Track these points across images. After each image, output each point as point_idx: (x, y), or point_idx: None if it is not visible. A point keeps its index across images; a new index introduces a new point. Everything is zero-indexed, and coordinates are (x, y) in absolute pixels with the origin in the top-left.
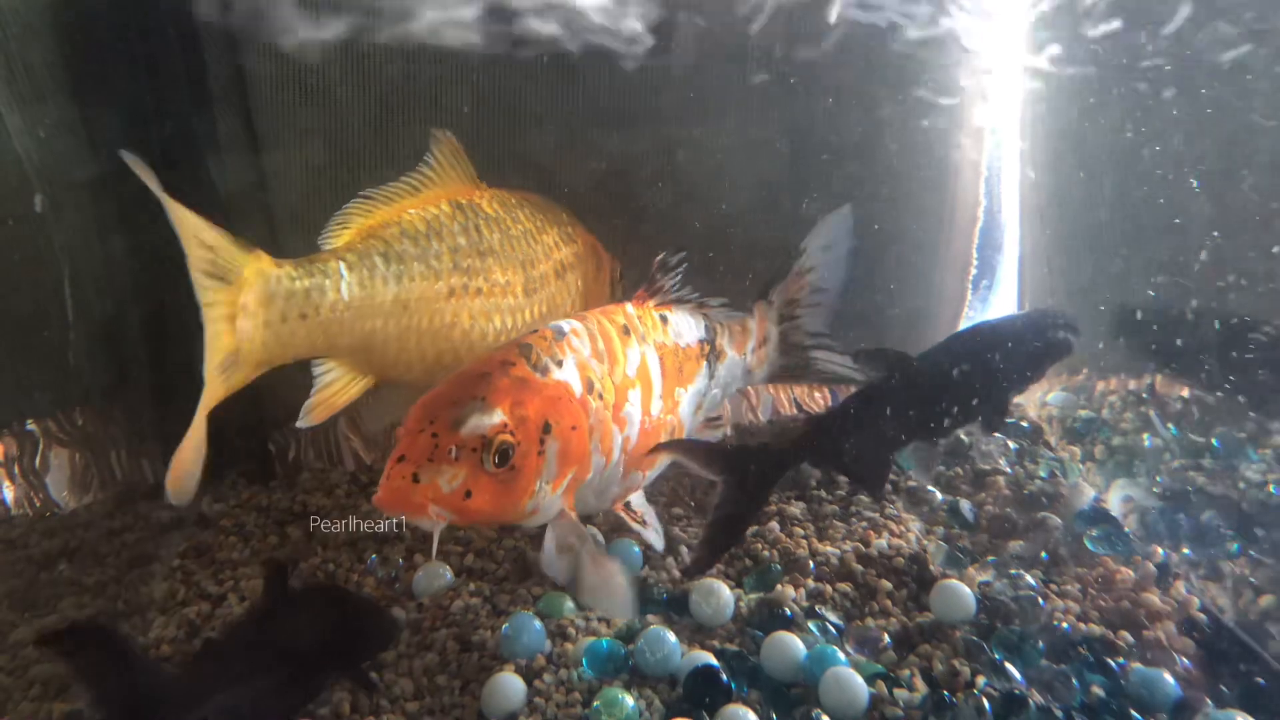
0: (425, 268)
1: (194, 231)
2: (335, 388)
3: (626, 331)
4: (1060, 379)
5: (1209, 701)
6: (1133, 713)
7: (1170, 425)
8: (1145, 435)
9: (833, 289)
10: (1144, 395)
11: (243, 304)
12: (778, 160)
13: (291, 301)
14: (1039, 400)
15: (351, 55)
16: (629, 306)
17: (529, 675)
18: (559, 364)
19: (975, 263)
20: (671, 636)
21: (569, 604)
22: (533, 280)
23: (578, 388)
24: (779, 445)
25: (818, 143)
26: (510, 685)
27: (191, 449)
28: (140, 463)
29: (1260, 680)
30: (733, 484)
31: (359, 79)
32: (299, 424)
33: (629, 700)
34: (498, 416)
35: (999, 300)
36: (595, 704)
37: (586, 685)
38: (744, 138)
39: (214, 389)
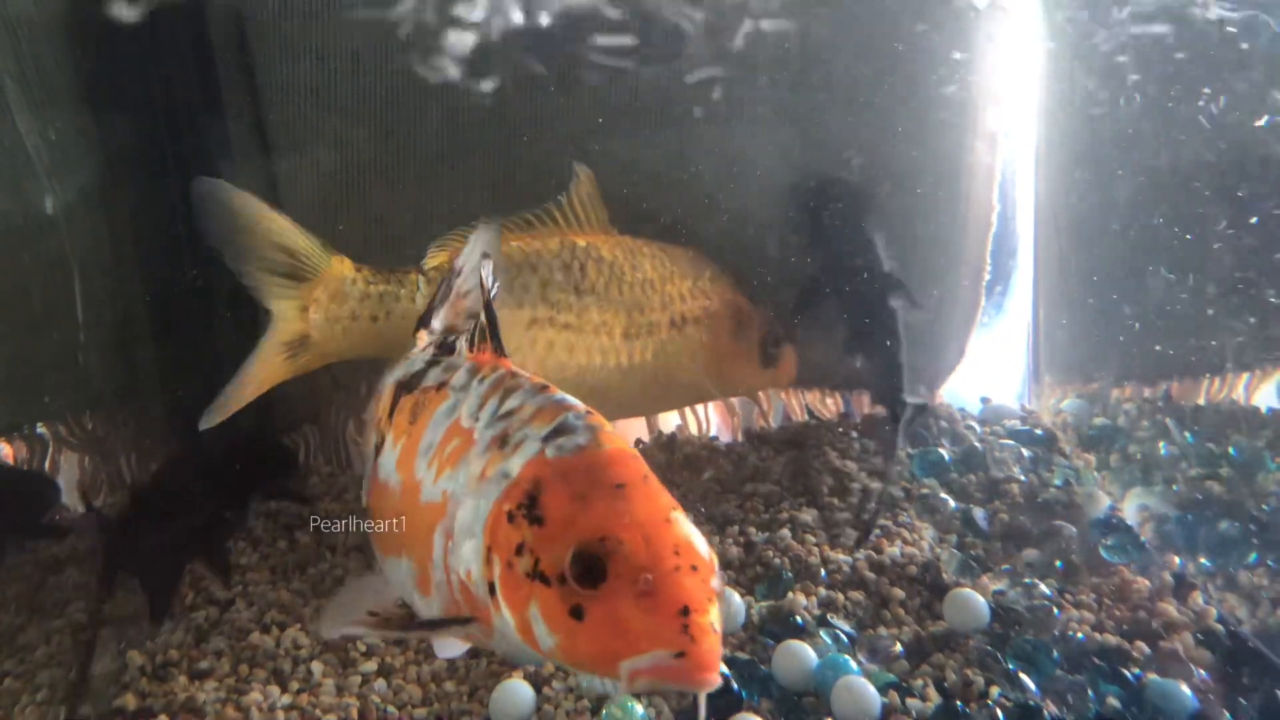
0: (507, 294)
1: (277, 236)
2: None
3: None
4: (1075, 385)
5: (1226, 714)
6: None
7: (1187, 433)
8: (1161, 443)
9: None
10: (1160, 403)
11: (315, 297)
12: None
13: (365, 303)
14: (1053, 407)
15: (364, 56)
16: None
17: (538, 682)
18: None
19: (989, 267)
20: None
21: None
22: (637, 326)
23: None
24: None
25: (832, 146)
26: (519, 692)
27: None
28: (150, 467)
29: (1279, 692)
30: None
31: (372, 81)
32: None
33: (638, 708)
34: (693, 524)
35: (1013, 305)
36: (604, 711)
37: (595, 692)
38: (756, 141)
39: (272, 362)
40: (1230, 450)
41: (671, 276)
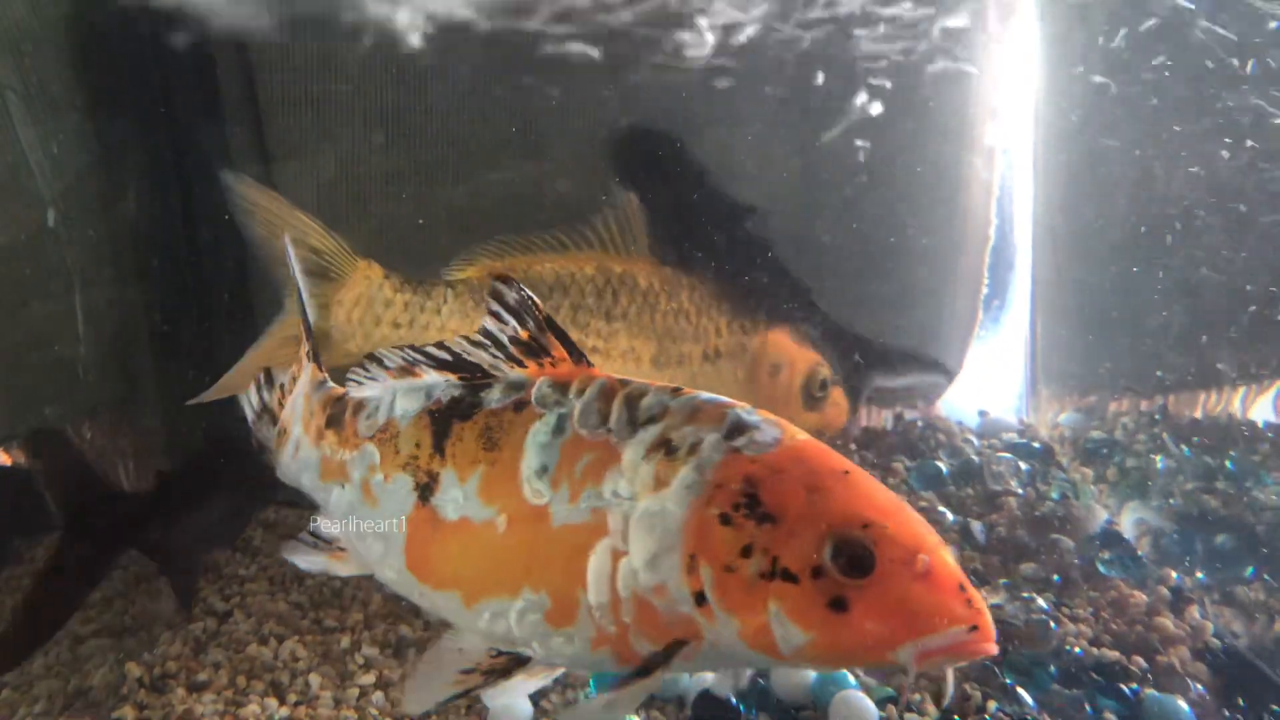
0: None
1: (304, 232)
2: None
3: None
4: (1072, 399)
5: None
6: None
7: (1184, 447)
8: (1158, 457)
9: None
10: (1156, 416)
11: (339, 299)
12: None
13: (389, 309)
14: (1050, 420)
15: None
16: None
17: (536, 696)
18: None
19: (987, 281)
20: None
21: None
22: (667, 355)
23: None
24: None
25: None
26: (517, 706)
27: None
28: (149, 477)
29: (1275, 707)
30: None
31: (369, 90)
32: None
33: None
34: None
35: (1011, 318)
36: None
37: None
38: (756, 156)
39: (280, 353)
40: (1227, 464)
41: (709, 309)
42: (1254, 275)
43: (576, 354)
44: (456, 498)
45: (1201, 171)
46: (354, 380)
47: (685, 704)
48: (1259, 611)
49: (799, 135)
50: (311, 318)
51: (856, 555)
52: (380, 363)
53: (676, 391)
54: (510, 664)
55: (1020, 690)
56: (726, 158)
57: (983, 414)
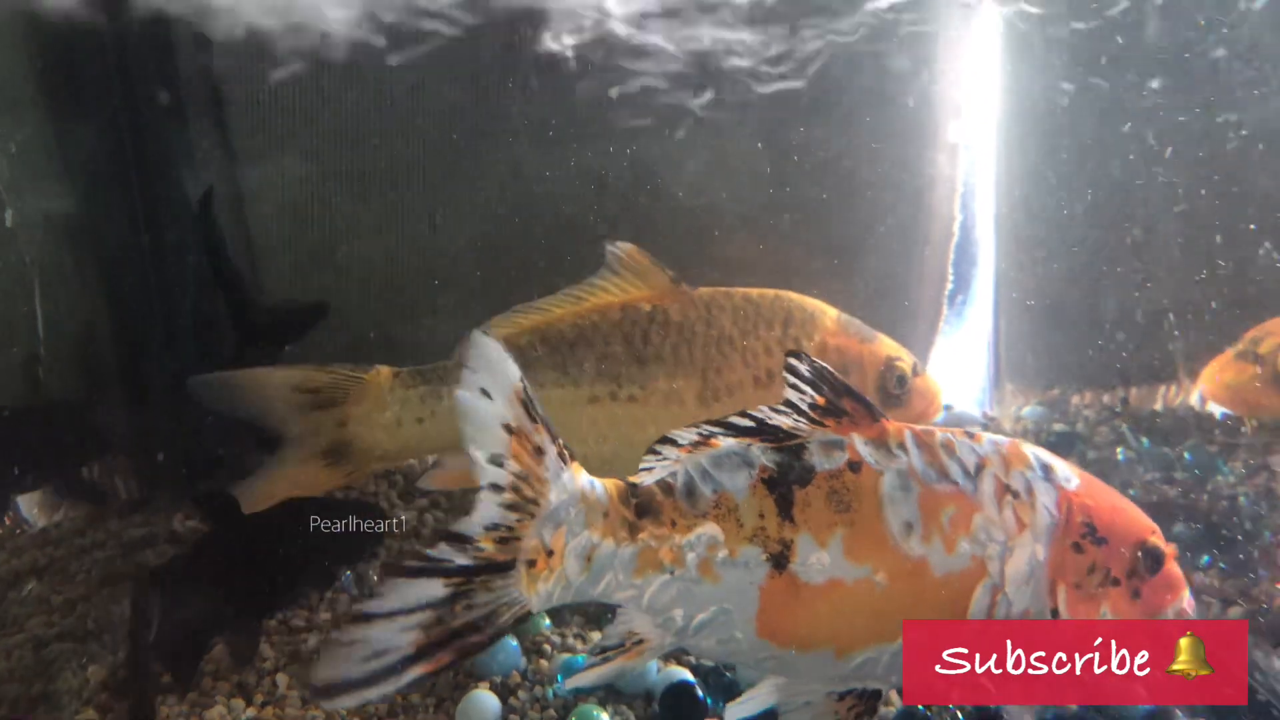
0: (560, 375)
1: (294, 383)
2: (458, 473)
3: None
4: (1035, 392)
5: (1179, 712)
6: None
7: (1144, 438)
8: (1119, 449)
9: None
10: (1117, 409)
11: (352, 415)
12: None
13: (407, 407)
14: (1014, 414)
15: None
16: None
17: (504, 692)
18: None
19: (951, 277)
20: None
21: (544, 621)
22: (714, 389)
23: None
24: None
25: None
26: (485, 703)
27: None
28: (112, 479)
29: None
30: None
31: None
32: (419, 484)
33: (604, 717)
34: None
35: (975, 313)
36: (571, 719)
37: (562, 702)
38: (720, 154)
39: (308, 470)
40: (1185, 455)
41: (755, 328)
42: (1211, 269)
43: (875, 412)
44: (820, 561)
45: (1160, 168)
46: (646, 469)
47: (653, 698)
48: (1214, 598)
49: (764, 134)
50: (326, 440)
51: (1159, 557)
52: (674, 443)
53: (969, 434)
54: (874, 703)
55: None
56: (692, 157)
57: (947, 408)
